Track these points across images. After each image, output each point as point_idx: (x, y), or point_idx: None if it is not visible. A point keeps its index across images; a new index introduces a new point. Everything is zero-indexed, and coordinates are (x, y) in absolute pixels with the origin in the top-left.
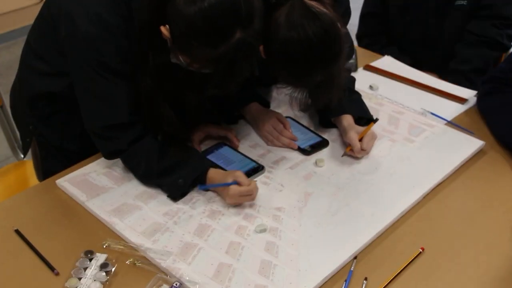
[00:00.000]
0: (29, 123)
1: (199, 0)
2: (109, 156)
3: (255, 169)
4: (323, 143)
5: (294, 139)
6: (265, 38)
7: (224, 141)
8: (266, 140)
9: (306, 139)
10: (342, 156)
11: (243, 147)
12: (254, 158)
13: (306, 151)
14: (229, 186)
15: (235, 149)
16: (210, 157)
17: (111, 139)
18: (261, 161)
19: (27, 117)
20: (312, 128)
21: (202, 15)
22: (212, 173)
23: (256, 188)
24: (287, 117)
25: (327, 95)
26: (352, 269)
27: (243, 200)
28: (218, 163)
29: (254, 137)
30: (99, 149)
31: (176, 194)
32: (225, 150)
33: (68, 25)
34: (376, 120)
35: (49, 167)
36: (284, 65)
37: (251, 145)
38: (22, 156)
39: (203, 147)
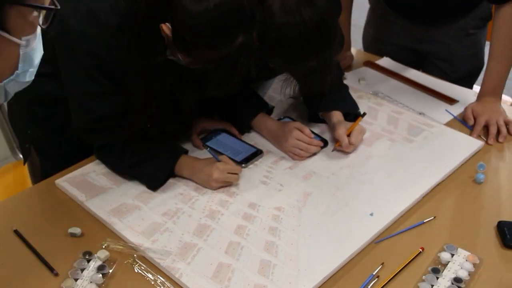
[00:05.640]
0: (27, 128)
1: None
2: (97, 151)
3: (255, 154)
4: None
5: (319, 145)
6: (259, 25)
7: (222, 129)
8: (293, 155)
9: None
10: (332, 151)
11: None
12: (253, 158)
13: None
14: (216, 161)
15: (232, 135)
16: (210, 143)
17: (96, 131)
18: (261, 161)
19: (25, 122)
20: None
21: (207, 16)
22: (186, 159)
23: (240, 170)
24: (285, 117)
25: (319, 83)
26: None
27: (228, 178)
28: (218, 150)
29: (253, 137)
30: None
31: (154, 184)
32: (224, 137)
33: (58, 25)
34: (364, 114)
35: (48, 170)
36: (280, 51)
37: (250, 145)
38: (21, 156)
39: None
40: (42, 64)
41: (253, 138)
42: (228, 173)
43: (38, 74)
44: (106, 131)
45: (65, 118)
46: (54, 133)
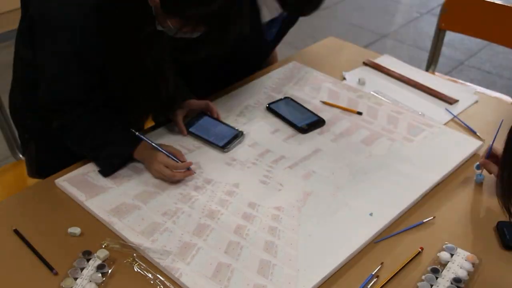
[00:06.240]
0: (26, 118)
1: None
2: (58, 129)
3: (236, 136)
4: (319, 122)
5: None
6: None
7: (205, 112)
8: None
9: (304, 118)
10: None
11: (244, 147)
12: (253, 157)
13: (303, 129)
14: (157, 153)
15: (215, 118)
16: (192, 129)
17: (60, 112)
18: (260, 161)
19: (25, 113)
20: (310, 108)
21: None
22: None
23: (186, 165)
24: (285, 97)
25: (236, 28)
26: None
27: (165, 172)
28: (201, 134)
29: (253, 136)
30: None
31: (107, 170)
32: (206, 121)
33: (38, 4)
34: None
35: (47, 161)
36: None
37: (250, 145)
38: (21, 155)
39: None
40: (32, 51)
41: (252, 140)
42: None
43: (31, 60)
44: (70, 113)
45: None
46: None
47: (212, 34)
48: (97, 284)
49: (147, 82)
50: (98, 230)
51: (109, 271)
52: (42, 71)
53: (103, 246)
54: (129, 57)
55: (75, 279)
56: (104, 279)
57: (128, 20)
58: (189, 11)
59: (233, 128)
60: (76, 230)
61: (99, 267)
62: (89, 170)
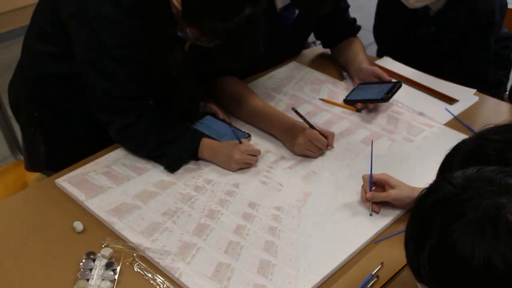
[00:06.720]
0: (33, 110)
1: None
2: (118, 133)
3: (246, 139)
4: (397, 85)
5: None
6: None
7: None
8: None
9: (380, 90)
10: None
11: None
12: None
13: (385, 99)
14: (237, 144)
15: (219, 119)
16: (201, 129)
17: (119, 110)
18: (260, 161)
19: (32, 104)
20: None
21: None
22: (206, 142)
23: (259, 152)
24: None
25: (250, 47)
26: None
27: (249, 159)
28: (212, 135)
29: (253, 136)
30: (107, 128)
31: (175, 165)
32: (212, 122)
33: (75, 5)
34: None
35: (53, 153)
36: (208, 12)
37: None
38: (20, 155)
39: None
40: (51, 44)
41: (252, 140)
42: (248, 154)
43: (47, 54)
44: (131, 110)
45: (72, 99)
46: (61, 116)
47: (226, 49)
48: (111, 281)
49: (171, 84)
50: (98, 230)
51: (118, 268)
52: (90, 71)
53: (103, 246)
54: (157, 58)
55: (87, 280)
56: (116, 276)
57: (154, 21)
58: (207, 25)
59: (237, 129)
60: (80, 226)
61: (109, 265)
62: (89, 170)
